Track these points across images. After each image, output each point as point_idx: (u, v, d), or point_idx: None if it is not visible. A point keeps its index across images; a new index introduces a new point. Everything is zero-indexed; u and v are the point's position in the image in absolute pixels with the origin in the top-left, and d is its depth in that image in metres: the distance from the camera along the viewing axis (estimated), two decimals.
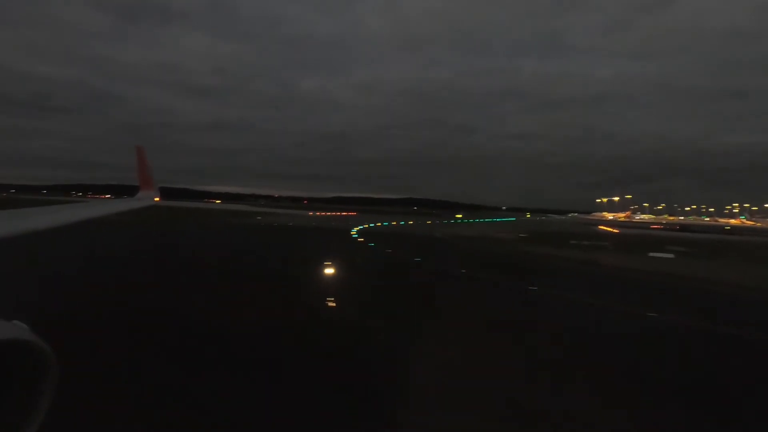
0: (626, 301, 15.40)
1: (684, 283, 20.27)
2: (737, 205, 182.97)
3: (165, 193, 12.59)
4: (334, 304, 12.79)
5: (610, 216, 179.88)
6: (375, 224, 56.66)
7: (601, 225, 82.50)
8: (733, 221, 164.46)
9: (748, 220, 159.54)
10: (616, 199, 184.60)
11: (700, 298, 17.27)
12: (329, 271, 18.67)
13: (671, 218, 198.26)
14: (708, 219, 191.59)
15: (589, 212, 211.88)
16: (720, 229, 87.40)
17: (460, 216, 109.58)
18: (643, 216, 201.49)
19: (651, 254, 32.48)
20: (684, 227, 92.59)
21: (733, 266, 27.70)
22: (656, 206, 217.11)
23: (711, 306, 15.75)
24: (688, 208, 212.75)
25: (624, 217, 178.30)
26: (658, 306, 14.50)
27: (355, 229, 43.73)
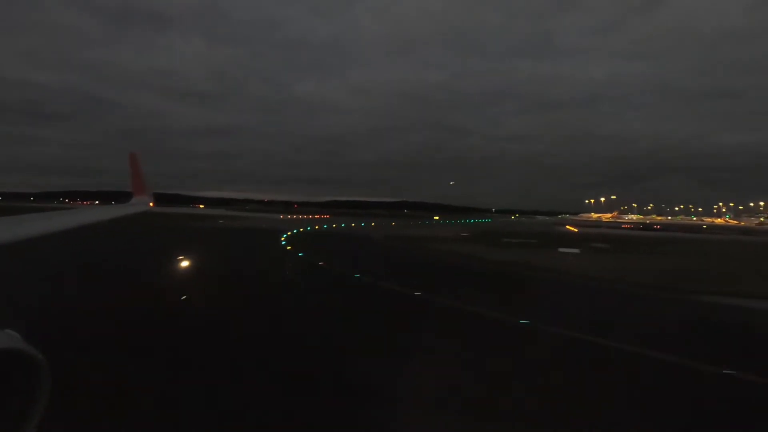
0: (432, 284, 16.74)
1: (528, 272, 21.45)
2: (722, 204, 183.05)
3: (159, 198, 12.68)
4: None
5: (596, 216, 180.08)
6: (329, 226, 57.31)
7: (568, 225, 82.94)
8: (717, 220, 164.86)
9: (732, 218, 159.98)
10: (603, 199, 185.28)
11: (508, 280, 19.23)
12: (186, 264, 19.51)
13: (659, 218, 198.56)
14: (695, 218, 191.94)
15: (578, 213, 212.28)
16: (693, 228, 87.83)
17: (437, 218, 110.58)
18: (632, 216, 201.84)
19: (560, 249, 33.16)
20: (647, 227, 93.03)
21: (612, 259, 28.11)
22: (646, 206, 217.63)
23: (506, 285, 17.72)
24: (677, 208, 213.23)
25: (610, 217, 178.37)
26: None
27: (294, 231, 43.97)
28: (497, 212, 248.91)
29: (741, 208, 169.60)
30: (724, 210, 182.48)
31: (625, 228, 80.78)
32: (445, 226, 69.17)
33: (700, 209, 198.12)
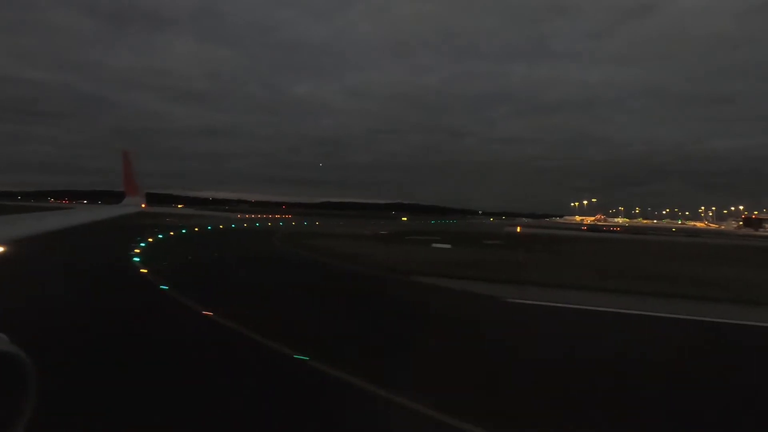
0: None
1: (327, 259, 22.12)
2: (704, 208, 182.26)
3: (150, 198, 12.45)
4: None
5: (579, 219, 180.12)
6: (261, 225, 57.97)
7: (519, 226, 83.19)
8: (699, 224, 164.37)
9: (712, 222, 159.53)
10: (585, 203, 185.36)
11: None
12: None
13: (645, 221, 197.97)
14: (681, 221, 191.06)
15: (563, 216, 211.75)
16: (642, 230, 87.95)
17: (405, 218, 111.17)
18: (618, 219, 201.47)
19: (434, 245, 33.71)
20: (595, 228, 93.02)
21: (448, 252, 28.37)
22: (633, 210, 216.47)
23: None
24: (665, 212, 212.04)
25: (593, 220, 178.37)
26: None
27: (199, 229, 42.33)
28: (484, 214, 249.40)
29: (725, 212, 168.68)
30: (710, 214, 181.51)
31: (574, 229, 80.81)
32: (388, 226, 69.70)
33: (687, 213, 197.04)
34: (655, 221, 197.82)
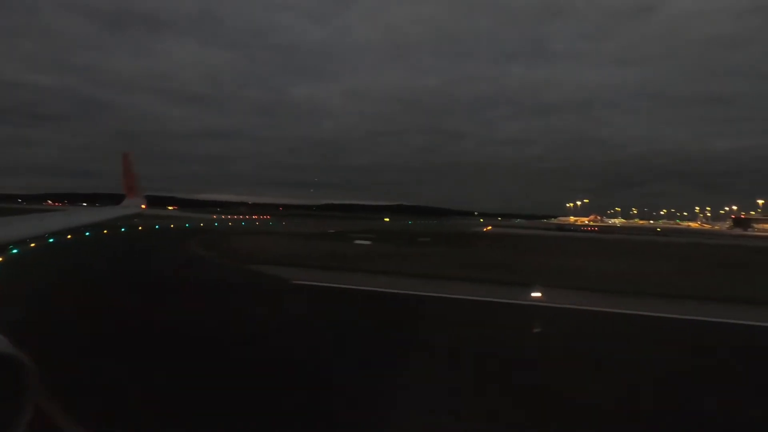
0: None
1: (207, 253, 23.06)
2: (699, 208, 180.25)
3: (152, 201, 12.81)
4: None
5: (572, 220, 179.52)
6: (219, 225, 58.96)
7: (488, 226, 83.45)
8: (693, 224, 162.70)
9: (706, 223, 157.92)
10: (579, 203, 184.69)
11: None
12: None
13: (641, 222, 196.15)
14: (679, 222, 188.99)
15: (557, 216, 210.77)
16: (638, 231, 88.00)
17: (387, 219, 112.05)
18: (614, 220, 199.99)
19: (356, 241, 34.61)
20: (562, 227, 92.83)
21: (339, 246, 29.45)
22: (630, 210, 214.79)
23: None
24: (662, 212, 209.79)
25: (586, 221, 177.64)
26: None
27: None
28: (480, 215, 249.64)
29: (722, 212, 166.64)
30: (708, 214, 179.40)
31: (542, 229, 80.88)
32: (352, 226, 70.43)
33: (685, 213, 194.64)
34: (651, 222, 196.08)
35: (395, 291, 13.50)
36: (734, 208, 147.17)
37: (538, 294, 12.43)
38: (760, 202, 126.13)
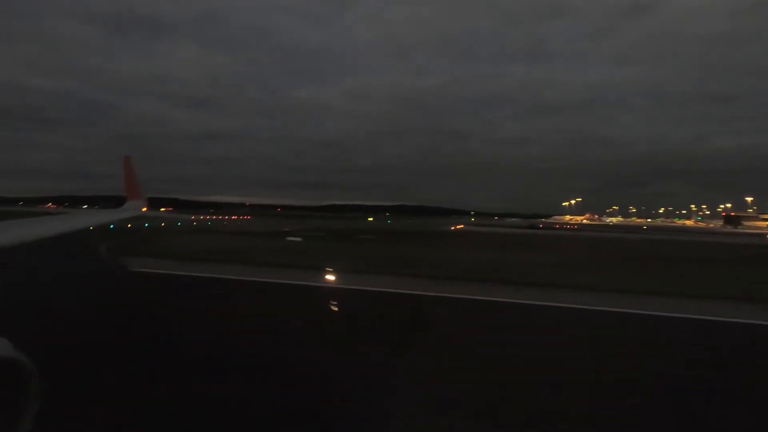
0: None
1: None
2: (695, 207, 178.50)
3: (155, 203, 13.45)
4: None
5: (568, 219, 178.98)
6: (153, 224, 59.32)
7: (461, 225, 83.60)
8: (688, 222, 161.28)
9: (701, 221, 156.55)
10: (573, 202, 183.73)
11: None
12: None
13: (639, 221, 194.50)
14: (678, 220, 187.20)
15: (552, 216, 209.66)
16: (626, 229, 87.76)
17: (371, 219, 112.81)
18: (612, 219, 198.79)
19: (290, 238, 35.33)
20: (534, 226, 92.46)
21: (298, 242, 29.99)
22: (629, 209, 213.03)
23: None
24: (661, 210, 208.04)
25: (581, 220, 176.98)
26: None
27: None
28: (476, 215, 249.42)
29: (719, 209, 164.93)
30: (706, 213, 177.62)
31: (518, 228, 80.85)
32: (321, 224, 71.09)
33: (684, 212, 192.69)
34: (649, 220, 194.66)
35: (217, 276, 14.12)
36: (728, 205, 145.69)
37: (332, 277, 13.07)
38: (749, 199, 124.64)
